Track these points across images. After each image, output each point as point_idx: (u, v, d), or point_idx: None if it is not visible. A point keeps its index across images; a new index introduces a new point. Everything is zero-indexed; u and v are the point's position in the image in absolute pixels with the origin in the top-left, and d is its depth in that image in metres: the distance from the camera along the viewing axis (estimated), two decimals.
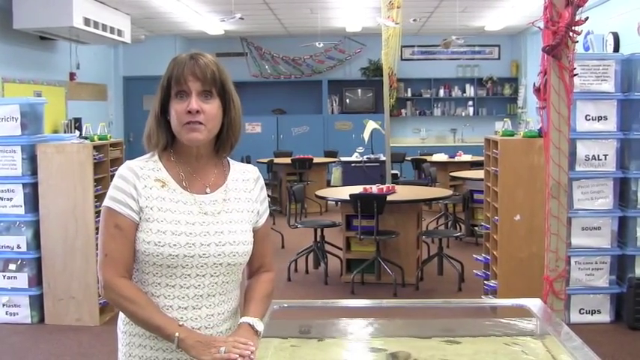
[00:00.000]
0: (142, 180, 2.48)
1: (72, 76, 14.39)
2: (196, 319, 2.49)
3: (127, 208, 2.44)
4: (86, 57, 14.90)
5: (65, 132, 10.24)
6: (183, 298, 2.47)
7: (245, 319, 2.52)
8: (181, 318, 2.46)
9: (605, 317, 7.20)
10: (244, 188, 2.63)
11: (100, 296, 7.25)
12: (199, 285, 2.48)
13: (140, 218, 2.45)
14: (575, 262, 7.12)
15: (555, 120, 4.11)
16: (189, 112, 2.42)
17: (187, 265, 2.45)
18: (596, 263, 7.16)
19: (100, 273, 2.45)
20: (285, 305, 2.90)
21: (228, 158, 2.67)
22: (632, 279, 7.02)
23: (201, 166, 2.56)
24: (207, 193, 2.55)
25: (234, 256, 2.51)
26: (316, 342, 2.73)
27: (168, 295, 2.47)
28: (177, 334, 2.34)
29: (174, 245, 2.42)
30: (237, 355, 2.29)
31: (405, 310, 3.18)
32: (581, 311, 7.18)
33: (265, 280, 2.70)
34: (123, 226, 2.44)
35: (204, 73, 2.44)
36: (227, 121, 2.52)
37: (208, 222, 2.50)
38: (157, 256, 2.42)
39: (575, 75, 4.17)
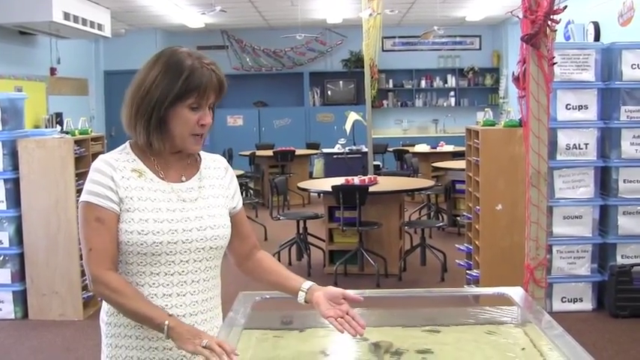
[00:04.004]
0: (119, 171, 2.48)
1: (52, 70, 14.34)
2: (181, 305, 2.50)
3: (108, 200, 2.44)
4: (67, 51, 14.84)
5: (46, 127, 10.20)
6: (168, 285, 2.49)
7: (307, 282, 2.60)
8: (166, 305, 2.47)
9: (587, 305, 7.24)
10: (217, 175, 2.67)
11: (84, 290, 7.26)
12: (183, 271, 2.50)
13: (120, 209, 2.45)
14: (557, 250, 7.17)
15: (534, 109, 4.13)
16: (203, 125, 2.45)
17: (171, 251, 2.47)
18: (577, 252, 7.20)
19: (86, 268, 2.45)
20: (267, 296, 2.91)
21: None
22: (614, 267, 7.07)
23: (175, 158, 2.57)
24: (183, 182, 2.57)
25: (215, 239, 2.54)
26: (298, 333, 2.74)
27: (153, 284, 2.48)
28: (167, 323, 2.34)
29: (158, 232, 2.43)
30: (216, 358, 2.28)
31: (387, 300, 3.19)
32: (563, 299, 7.22)
33: (271, 257, 2.80)
34: (104, 218, 2.43)
35: (223, 89, 2.47)
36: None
37: (188, 208, 2.52)
38: (141, 244, 2.43)
39: (554, 64, 4.20)
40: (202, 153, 2.68)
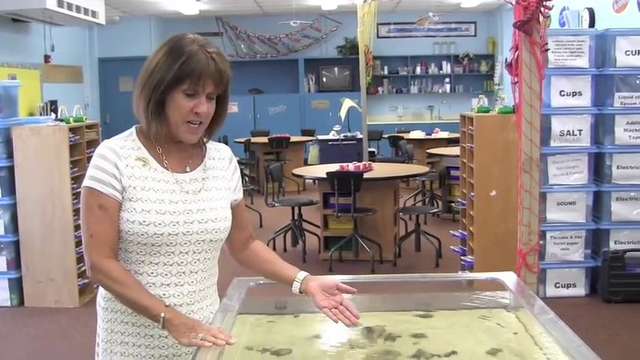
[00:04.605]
0: (124, 159, 2.46)
1: (47, 58, 14.30)
2: (179, 295, 2.51)
3: (111, 188, 2.42)
4: (61, 39, 14.79)
5: (41, 115, 10.21)
6: (166, 275, 2.49)
7: (302, 273, 2.65)
8: (164, 295, 2.48)
9: (580, 291, 7.28)
10: (220, 166, 2.65)
11: (79, 278, 7.27)
12: (182, 262, 2.50)
13: (123, 197, 2.44)
14: (551, 236, 7.19)
15: (527, 95, 4.15)
16: (197, 113, 2.41)
17: (171, 242, 2.46)
18: (571, 237, 7.23)
19: (86, 255, 2.45)
20: (262, 282, 2.93)
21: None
22: (607, 253, 7.10)
23: (180, 147, 2.55)
24: (187, 172, 2.55)
25: (216, 232, 2.54)
26: (292, 318, 2.76)
27: (151, 273, 2.49)
28: (163, 315, 2.35)
29: (160, 224, 2.43)
30: (211, 344, 2.31)
31: (381, 286, 3.21)
32: (557, 285, 7.25)
33: (266, 247, 2.86)
34: (107, 206, 2.42)
35: (222, 78, 2.43)
36: (217, 114, 2.52)
37: (190, 200, 2.51)
38: (142, 235, 2.43)
39: (546, 50, 4.21)
40: (207, 142, 2.66)
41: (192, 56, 2.39)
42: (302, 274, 2.63)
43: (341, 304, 2.53)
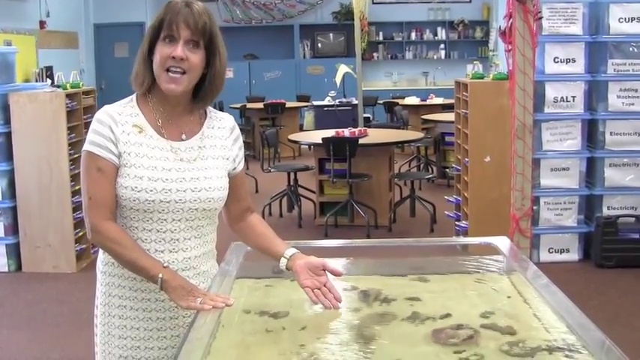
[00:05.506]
0: (120, 125, 2.48)
1: (42, 24, 14.22)
2: (173, 262, 2.54)
3: (107, 152, 2.45)
4: (56, 5, 14.71)
5: (37, 81, 10.16)
6: (160, 242, 2.53)
7: (291, 250, 2.65)
8: None
9: (573, 256, 7.35)
10: (220, 136, 2.66)
11: (77, 243, 7.31)
12: (175, 229, 2.53)
13: (119, 162, 2.47)
14: (545, 202, 7.24)
15: (520, 62, 4.18)
16: (173, 57, 2.42)
17: (164, 210, 2.49)
18: (564, 203, 7.29)
19: (86, 217, 2.49)
20: None
21: None
22: (600, 218, 7.16)
23: (178, 113, 2.57)
24: (182, 140, 2.57)
25: (209, 201, 2.56)
26: (289, 282, 2.79)
27: (145, 239, 2.52)
28: (161, 276, 2.39)
29: (151, 191, 2.46)
30: (210, 307, 2.36)
31: (376, 250, 3.25)
32: (550, 250, 7.32)
33: (262, 220, 2.87)
34: (104, 169, 2.45)
35: (197, 22, 2.43)
36: (210, 74, 2.53)
37: (184, 168, 2.53)
38: (134, 201, 2.46)
39: (539, 19, 4.24)
40: (210, 110, 2.69)
41: (169, 4, 2.46)
42: (290, 252, 2.64)
43: (325, 286, 2.54)
